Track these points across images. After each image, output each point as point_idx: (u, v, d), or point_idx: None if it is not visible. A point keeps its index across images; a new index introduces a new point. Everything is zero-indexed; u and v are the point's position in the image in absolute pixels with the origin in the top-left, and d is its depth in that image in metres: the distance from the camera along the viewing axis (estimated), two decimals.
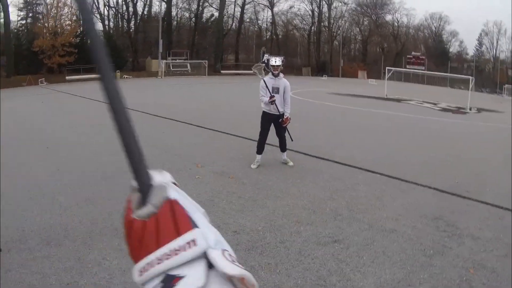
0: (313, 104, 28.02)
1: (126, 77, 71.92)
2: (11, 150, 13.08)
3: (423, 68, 79.72)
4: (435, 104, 32.55)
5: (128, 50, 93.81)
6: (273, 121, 10.47)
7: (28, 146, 13.69)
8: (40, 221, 7.04)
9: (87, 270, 5.35)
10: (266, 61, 10.43)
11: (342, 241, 6.29)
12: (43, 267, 5.44)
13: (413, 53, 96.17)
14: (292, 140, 11.18)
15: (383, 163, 11.21)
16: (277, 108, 10.11)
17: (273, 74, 10.17)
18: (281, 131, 10.60)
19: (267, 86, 10.11)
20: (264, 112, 10.48)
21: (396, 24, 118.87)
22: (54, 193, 8.53)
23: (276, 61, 10.17)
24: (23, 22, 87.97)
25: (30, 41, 74.35)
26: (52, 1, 77.04)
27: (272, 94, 10.01)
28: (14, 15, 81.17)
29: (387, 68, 43.30)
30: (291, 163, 10.81)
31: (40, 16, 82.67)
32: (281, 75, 10.27)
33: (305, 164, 10.96)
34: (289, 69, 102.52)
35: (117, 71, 72.94)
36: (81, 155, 11.96)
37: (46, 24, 76.38)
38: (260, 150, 10.67)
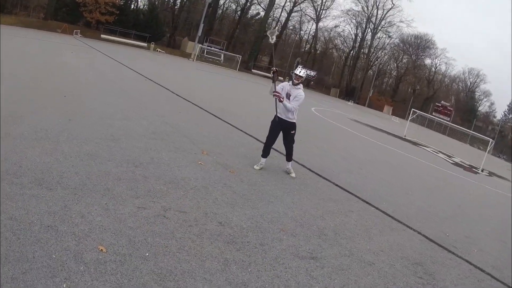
0: (332, 125, 28.10)
1: (159, 51, 72.42)
2: (30, 90, 13.32)
3: (448, 119, 79.76)
4: (449, 156, 32.70)
5: (168, 26, 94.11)
6: (282, 129, 10.56)
7: (47, 90, 13.93)
8: (38, 162, 7.20)
9: (70, 219, 5.48)
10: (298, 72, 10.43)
11: (319, 259, 6.36)
12: (29, 205, 5.58)
13: (442, 102, 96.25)
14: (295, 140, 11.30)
15: (381, 198, 11.26)
16: (276, 107, 10.18)
17: (293, 82, 10.26)
18: (289, 140, 10.68)
19: (280, 89, 10.16)
20: (274, 118, 10.49)
21: (434, 69, 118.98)
22: (60, 141, 8.70)
23: (301, 71, 10.18)
24: None
25: None
26: None
27: (278, 92, 9.99)
28: None
29: (412, 109, 43.31)
30: (293, 174, 10.88)
31: None
32: (300, 85, 10.32)
33: (306, 179, 11.01)
34: (319, 85, 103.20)
35: (152, 42, 73.50)
36: (94, 113, 12.11)
37: None
38: (265, 154, 10.75)
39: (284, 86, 10.30)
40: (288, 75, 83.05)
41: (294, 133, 10.64)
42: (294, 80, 10.18)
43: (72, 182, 6.70)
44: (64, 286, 4.17)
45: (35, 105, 11.44)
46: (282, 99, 9.99)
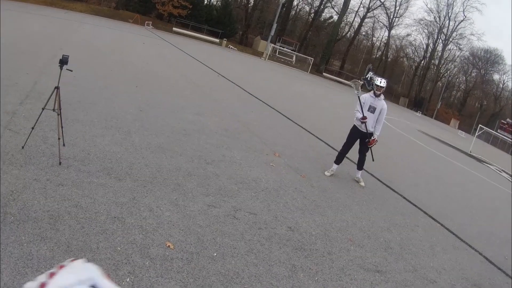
0: (401, 136, 27.57)
1: (231, 48, 73.15)
2: (101, 78, 13.50)
3: None
4: None
5: (241, 23, 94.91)
6: (360, 138, 10.35)
7: (119, 79, 14.10)
8: (108, 151, 7.21)
9: (138, 211, 5.40)
10: (368, 78, 10.30)
11: (384, 273, 6.13)
12: (96, 194, 5.54)
13: (508, 119, 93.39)
14: (373, 161, 11.13)
15: (446, 216, 10.85)
16: (366, 128, 9.98)
17: (374, 93, 10.03)
18: (364, 150, 10.46)
19: (362, 104, 10.00)
20: (354, 126, 10.38)
21: (501, 85, 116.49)
22: (131, 131, 8.73)
23: (382, 82, 10.00)
24: None
25: None
26: None
27: (365, 115, 9.88)
28: None
29: (479, 125, 42.18)
30: (362, 184, 10.64)
31: None
32: (382, 96, 10.11)
33: (375, 190, 10.74)
34: (388, 94, 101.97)
35: (224, 39, 74.24)
36: (168, 106, 12.19)
37: None
38: (338, 161, 10.59)
39: (366, 99, 10.10)
40: (361, 86, 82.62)
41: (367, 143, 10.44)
42: (376, 91, 9.97)
43: (142, 174, 6.65)
44: (128, 280, 4.07)
45: (107, 93, 11.58)
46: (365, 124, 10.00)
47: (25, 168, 5.73)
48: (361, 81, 11.14)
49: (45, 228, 4.50)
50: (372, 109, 9.96)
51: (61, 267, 1.26)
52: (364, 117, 9.85)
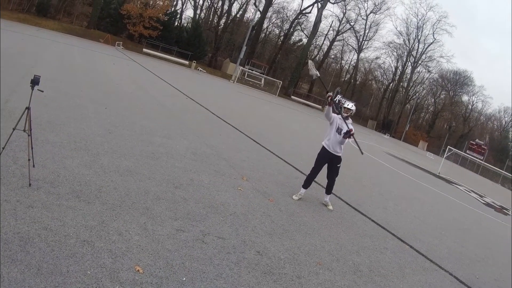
0: (369, 158, 27.88)
1: (201, 70, 73.30)
2: (70, 97, 13.48)
3: (482, 158, 78.89)
4: (481, 196, 32.21)
5: (211, 45, 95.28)
6: (328, 162, 10.52)
7: (88, 99, 14.09)
8: (77, 173, 7.24)
9: (107, 235, 5.45)
10: (337, 101, 10.50)
11: None
12: (65, 217, 5.58)
13: (477, 140, 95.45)
14: (362, 154, 11.50)
15: (415, 237, 11.05)
16: (333, 100, 10.07)
17: (342, 116, 10.23)
18: (333, 175, 10.62)
19: (331, 119, 10.19)
20: (322, 149, 10.52)
21: (470, 107, 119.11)
22: (99, 153, 8.77)
23: (350, 105, 10.28)
24: None
25: (120, 3, 76.55)
26: None
27: (351, 128, 10.05)
28: None
29: (448, 147, 43.06)
30: (331, 207, 10.79)
31: None
32: (350, 119, 10.33)
33: (343, 213, 10.89)
34: (356, 117, 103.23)
35: (194, 61, 74.42)
36: (135, 128, 12.23)
37: None
38: (306, 185, 10.72)
39: (336, 119, 10.28)
40: (326, 103, 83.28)
41: (339, 167, 10.58)
42: (344, 114, 10.17)
43: (111, 197, 6.69)
44: None
45: (77, 114, 11.59)
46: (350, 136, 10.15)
47: None
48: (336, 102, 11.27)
49: (15, 250, 4.52)
50: (339, 131, 10.16)
51: None
52: (349, 131, 9.99)
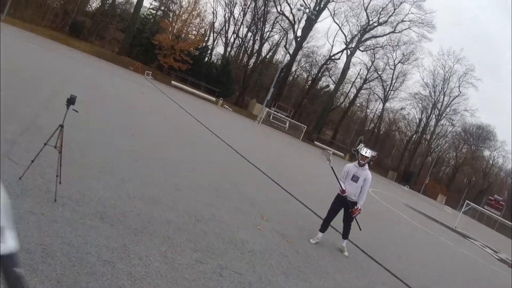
0: (387, 209, 27.77)
1: (227, 108, 73.60)
2: (99, 122, 13.72)
3: (499, 214, 77.67)
4: (496, 252, 31.78)
5: (239, 84, 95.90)
6: (345, 206, 10.56)
7: (117, 126, 14.34)
8: (102, 195, 7.41)
9: (128, 258, 5.56)
10: (357, 150, 10.58)
11: None
12: (88, 236, 5.71)
13: (495, 196, 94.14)
14: (360, 230, 11.37)
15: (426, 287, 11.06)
16: (347, 199, 10.25)
17: (359, 163, 10.35)
18: (348, 218, 10.66)
19: (346, 173, 10.38)
20: (338, 194, 10.61)
21: (491, 162, 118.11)
22: (124, 178, 8.94)
23: (366, 152, 10.35)
24: (153, 11, 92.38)
25: (153, 33, 77.79)
26: (187, 7, 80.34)
27: (344, 189, 10.18)
28: (147, 1, 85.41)
29: (466, 201, 42.75)
30: (346, 253, 10.78)
31: (171, 14, 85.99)
32: (366, 166, 10.42)
33: (358, 259, 10.88)
34: (377, 167, 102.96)
35: (221, 98, 74.93)
36: (160, 158, 12.45)
37: (173, 24, 79.44)
38: (323, 229, 10.76)
39: (350, 169, 10.43)
40: (349, 151, 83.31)
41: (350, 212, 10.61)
42: (360, 161, 10.30)
43: (134, 222, 6.83)
44: None
45: (104, 138, 11.81)
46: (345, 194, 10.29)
47: (21, 199, 5.94)
48: (353, 150, 11.41)
49: (37, 260, 4.67)
50: (355, 178, 10.23)
51: None
52: (343, 191, 10.15)
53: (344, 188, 10.15)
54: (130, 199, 7.87)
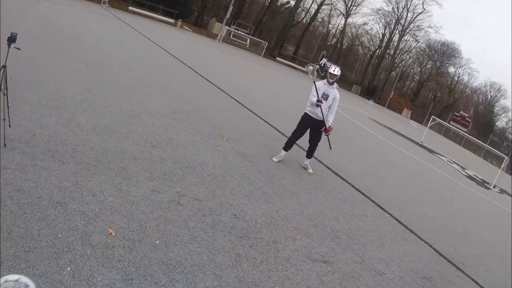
0: (352, 123, 27.88)
1: (186, 29, 72.32)
2: (51, 56, 13.12)
3: (465, 130, 79.09)
4: (463, 168, 32.48)
5: (197, 4, 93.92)
6: (312, 126, 10.35)
7: (70, 57, 13.72)
8: (53, 132, 7.01)
9: (80, 197, 5.27)
10: (322, 64, 10.31)
11: (331, 264, 6.15)
12: (39, 177, 5.39)
13: (461, 112, 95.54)
14: (330, 149, 11.25)
15: (395, 205, 11.04)
16: (322, 113, 9.97)
17: (328, 81, 10.05)
18: (315, 139, 10.48)
19: (317, 90, 9.98)
20: (306, 113, 10.35)
21: (456, 79, 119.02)
22: (78, 111, 8.51)
23: (335, 70, 10.03)
24: None
25: None
26: None
27: (320, 99, 9.86)
28: None
29: (432, 116, 43.13)
30: (310, 171, 10.68)
31: None
32: (335, 84, 10.14)
33: (323, 177, 10.80)
34: (341, 81, 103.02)
35: (179, 20, 73.43)
36: (116, 86, 11.94)
37: None
38: (287, 147, 10.58)
39: (320, 86, 10.08)
40: (317, 71, 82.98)
41: (322, 132, 10.39)
42: (329, 79, 10.00)
43: (86, 157, 6.49)
44: (68, 269, 3.95)
45: (56, 73, 11.23)
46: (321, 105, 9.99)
47: None
48: (317, 65, 11.12)
49: None
50: (325, 97, 9.98)
51: None
52: (319, 100, 9.84)
53: (320, 98, 9.86)
54: (83, 132, 7.49)
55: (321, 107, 9.87)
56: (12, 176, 5.19)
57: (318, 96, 9.87)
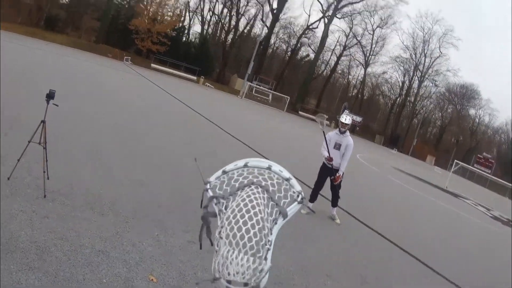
0: (376, 173, 27.89)
1: (208, 85, 73.21)
2: (83, 112, 13.60)
3: (489, 171, 77.92)
4: (488, 210, 32.15)
5: (218, 61, 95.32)
6: (329, 173, 10.56)
7: (100, 114, 14.19)
8: (91, 186, 7.38)
9: (121, 246, 5.56)
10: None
11: None
12: (80, 228, 5.69)
13: (484, 153, 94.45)
14: (339, 198, 11.30)
15: (423, 249, 11.13)
16: (333, 166, 10.25)
17: (340, 130, 10.36)
18: (335, 186, 10.70)
19: (327, 141, 10.28)
20: (323, 163, 10.66)
21: (477, 120, 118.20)
22: (112, 167, 8.91)
23: (346, 119, 10.36)
24: None
25: (128, 18, 77.12)
26: None
27: (331, 156, 10.13)
28: None
29: (455, 161, 42.96)
30: (338, 221, 10.81)
31: None
32: (347, 133, 10.42)
33: (350, 225, 10.97)
34: (364, 132, 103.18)
35: (202, 76, 74.59)
36: (151, 141, 12.38)
37: (148, 7, 78.95)
38: (312, 199, 10.78)
39: (331, 137, 10.41)
40: (334, 119, 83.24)
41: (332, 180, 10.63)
42: (341, 128, 10.31)
43: (124, 209, 6.82)
44: None
45: (87, 128, 11.74)
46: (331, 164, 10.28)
47: (11, 199, 5.89)
48: (325, 115, 11.32)
49: (33, 258, 4.65)
50: (337, 146, 10.25)
51: None
52: (330, 158, 10.12)
53: (330, 156, 10.13)
54: (118, 185, 7.85)
55: (332, 162, 10.18)
56: (55, 225, 5.51)
57: (328, 148, 10.17)
